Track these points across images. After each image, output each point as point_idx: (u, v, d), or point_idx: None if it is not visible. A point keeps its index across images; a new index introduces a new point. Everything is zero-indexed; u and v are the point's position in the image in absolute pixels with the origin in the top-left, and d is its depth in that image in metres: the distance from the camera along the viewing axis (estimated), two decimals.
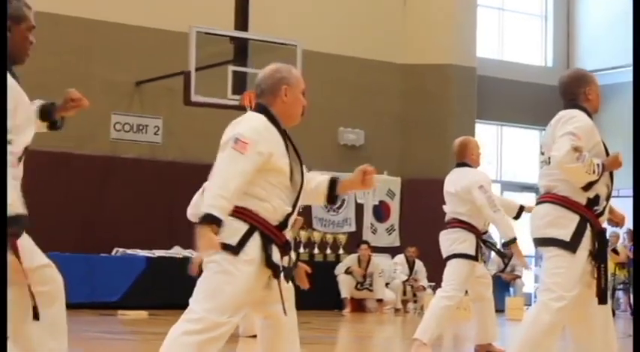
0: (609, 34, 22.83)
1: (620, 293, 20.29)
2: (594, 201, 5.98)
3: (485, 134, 21.50)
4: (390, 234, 20.30)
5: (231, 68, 15.89)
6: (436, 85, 20.74)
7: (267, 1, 18.17)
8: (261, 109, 4.96)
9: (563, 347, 7.01)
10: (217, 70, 16.01)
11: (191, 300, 4.84)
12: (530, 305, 19.19)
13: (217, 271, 4.75)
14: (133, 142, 17.79)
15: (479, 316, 9.64)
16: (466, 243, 9.11)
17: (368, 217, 19.77)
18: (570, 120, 5.94)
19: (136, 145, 17.79)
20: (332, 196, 5.18)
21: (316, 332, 12.49)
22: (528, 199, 9.65)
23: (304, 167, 5.01)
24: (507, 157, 22.95)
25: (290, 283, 5.04)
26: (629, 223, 7.03)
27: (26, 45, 4.30)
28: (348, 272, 17.69)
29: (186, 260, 16.13)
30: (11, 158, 4.01)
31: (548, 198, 6.03)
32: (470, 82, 21.06)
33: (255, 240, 4.77)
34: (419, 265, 18.58)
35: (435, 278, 17.67)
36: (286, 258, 4.91)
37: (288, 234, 4.94)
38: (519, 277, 19.62)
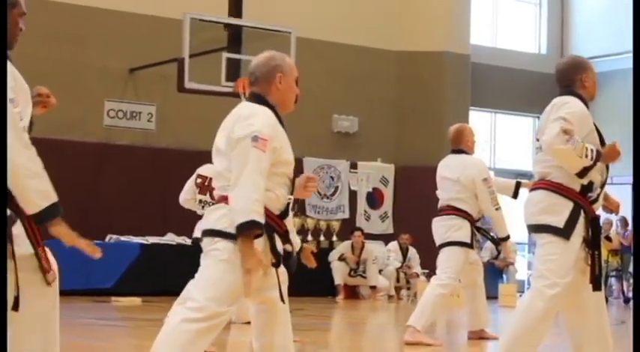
0: (603, 21, 22.82)
1: (612, 281, 20.34)
2: (588, 187, 5.98)
3: (479, 121, 21.50)
4: (383, 221, 20.31)
5: (225, 55, 15.86)
6: (430, 73, 20.73)
7: None
8: (259, 99, 4.95)
9: (556, 334, 7.03)
10: (211, 57, 15.99)
11: (192, 286, 4.84)
12: (523, 292, 19.23)
13: (220, 260, 4.75)
14: (127, 129, 17.77)
15: (470, 302, 9.66)
16: (462, 230, 9.12)
17: (361, 204, 19.79)
18: (563, 106, 5.94)
19: (130, 132, 17.77)
20: None
21: (310, 319, 12.51)
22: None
23: None
24: (501, 145, 22.96)
25: (284, 268, 5.05)
26: (623, 211, 7.04)
27: (16, 31, 4.28)
28: (341, 259, 17.71)
29: (179, 246, 16.21)
30: (28, 140, 3.97)
31: (542, 184, 6.03)
32: (464, 69, 21.05)
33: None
34: (412, 252, 18.60)
35: (429, 265, 17.72)
36: (287, 246, 4.92)
37: (290, 224, 4.95)
38: (512, 264, 19.64)
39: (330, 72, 19.69)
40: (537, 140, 6.12)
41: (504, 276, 19.45)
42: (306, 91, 16.52)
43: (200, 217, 8.85)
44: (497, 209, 9.16)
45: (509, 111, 22.77)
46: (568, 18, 23.79)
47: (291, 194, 4.97)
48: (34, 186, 3.99)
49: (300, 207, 18.37)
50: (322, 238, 18.62)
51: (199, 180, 9.15)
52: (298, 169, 5.08)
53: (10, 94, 3.88)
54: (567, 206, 5.93)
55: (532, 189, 6.16)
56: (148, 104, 17.94)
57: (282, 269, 5.01)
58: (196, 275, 4.94)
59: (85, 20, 17.44)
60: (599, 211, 6.19)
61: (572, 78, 6.15)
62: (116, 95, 17.79)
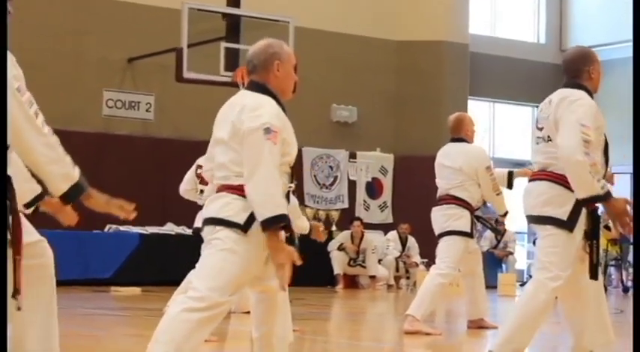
0: (602, 10, 22.80)
1: (612, 270, 20.36)
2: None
3: (478, 111, 21.49)
4: (382, 210, 20.32)
5: (223, 45, 15.85)
6: (429, 62, 20.71)
7: None
8: (260, 88, 4.94)
9: (556, 323, 7.04)
10: (210, 47, 15.98)
11: (194, 276, 4.84)
12: (522, 281, 19.27)
13: (221, 249, 4.74)
14: (126, 119, 17.76)
15: (469, 292, 9.67)
16: (462, 219, 9.11)
17: (361, 194, 19.79)
18: (576, 103, 5.88)
19: (129, 122, 17.76)
20: None
21: (309, 308, 12.52)
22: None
23: None
24: (500, 134, 22.96)
25: None
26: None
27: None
28: (341, 248, 17.73)
29: (179, 236, 16.22)
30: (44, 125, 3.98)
31: (545, 175, 5.99)
32: (463, 58, 21.04)
33: None
34: (411, 241, 18.62)
35: (428, 254, 17.73)
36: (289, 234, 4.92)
37: (297, 210, 4.97)
38: (512, 253, 19.67)
39: (328, 61, 19.68)
40: (539, 129, 6.07)
41: (503, 266, 19.47)
42: (305, 81, 16.55)
43: (201, 207, 8.84)
44: (497, 194, 9.18)
45: (508, 100, 22.77)
46: (567, 7, 23.76)
47: (291, 182, 4.98)
48: (55, 171, 4.01)
49: (299, 197, 18.35)
50: (321, 228, 18.59)
51: (200, 171, 9.15)
52: (297, 159, 5.08)
53: (15, 83, 3.87)
54: (570, 198, 5.91)
55: (532, 180, 6.13)
56: (146, 94, 17.93)
57: None
58: (198, 264, 4.94)
59: (84, 10, 17.42)
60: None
61: (580, 68, 6.11)
62: (115, 85, 17.77)
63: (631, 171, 5.92)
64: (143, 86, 17.93)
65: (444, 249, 9.15)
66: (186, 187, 9.29)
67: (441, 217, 9.21)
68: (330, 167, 19.62)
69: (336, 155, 19.70)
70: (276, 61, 4.96)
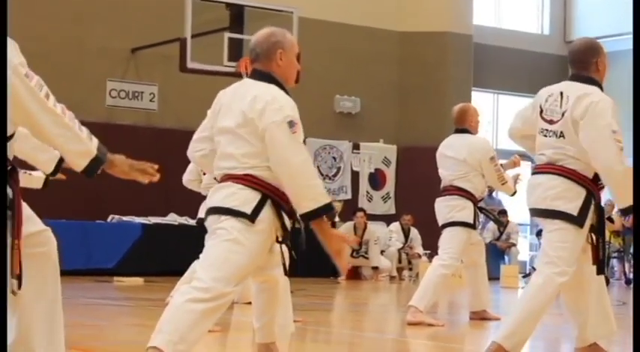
0: (606, 1, 22.76)
1: (614, 262, 20.36)
2: None
3: (482, 102, 21.47)
4: (385, 201, 20.32)
5: (227, 35, 15.83)
6: (433, 53, 20.69)
7: None
8: (266, 77, 4.93)
9: (559, 314, 7.05)
10: (213, 37, 15.96)
11: (198, 266, 4.84)
12: (524, 273, 19.28)
13: (226, 239, 4.74)
14: (129, 109, 17.75)
15: (472, 283, 9.66)
16: (465, 210, 9.10)
17: (364, 185, 19.78)
18: (600, 105, 5.81)
19: (132, 112, 17.75)
20: None
21: (312, 299, 12.53)
22: (524, 167, 9.68)
23: None
24: (503, 125, 22.94)
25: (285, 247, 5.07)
26: None
27: None
28: None
29: (181, 227, 16.23)
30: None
31: (554, 169, 5.95)
32: (466, 49, 21.01)
33: (268, 209, 4.78)
34: (414, 233, 18.61)
35: (430, 245, 17.72)
36: (297, 224, 4.95)
37: None
38: (514, 245, 19.67)
39: (332, 52, 19.66)
40: (547, 121, 6.02)
41: (506, 257, 19.46)
42: (309, 72, 16.57)
43: (204, 198, 8.84)
44: (503, 184, 9.17)
45: (512, 91, 22.74)
46: None
47: None
48: (73, 149, 4.07)
49: None
50: (324, 219, 18.59)
51: None
52: None
53: (22, 70, 3.88)
54: (581, 193, 5.91)
55: (540, 172, 6.07)
56: (150, 84, 17.92)
57: (284, 248, 5.02)
58: (202, 254, 4.94)
59: (87, 0, 17.41)
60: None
61: (588, 61, 6.09)
62: (118, 75, 17.77)
63: (631, 164, 5.91)
64: (146, 76, 17.92)
65: (447, 239, 9.14)
66: (190, 177, 9.28)
67: (445, 208, 9.19)
68: (334, 158, 19.61)
69: (339, 146, 19.69)
70: (279, 50, 4.96)
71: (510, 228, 19.65)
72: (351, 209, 18.63)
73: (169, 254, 14.98)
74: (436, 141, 9.70)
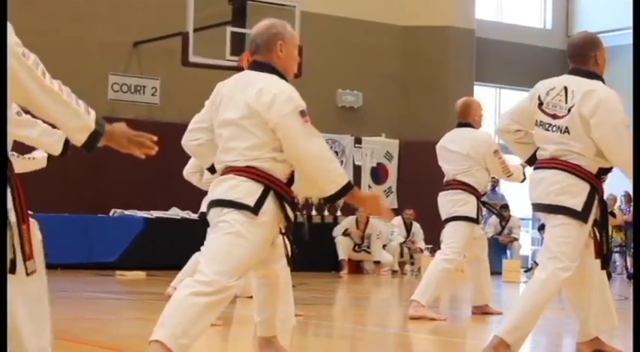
0: None
1: (616, 256, 20.34)
2: (606, 170, 5.98)
3: (484, 96, 21.45)
4: (387, 196, 20.31)
5: (229, 29, 15.84)
6: (435, 48, 20.67)
7: None
8: (267, 68, 4.93)
9: (561, 309, 7.05)
10: (215, 31, 15.95)
11: (201, 259, 4.84)
12: (526, 267, 19.26)
13: (229, 232, 4.73)
14: (131, 103, 17.75)
15: (474, 277, 9.65)
16: (468, 205, 9.08)
17: (366, 179, 19.77)
18: (610, 101, 5.84)
19: (134, 106, 17.75)
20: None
21: (314, 293, 12.54)
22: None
23: None
24: None
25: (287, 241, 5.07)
26: (626, 186, 7.04)
27: None
28: (346, 234, 17.73)
29: (183, 221, 16.23)
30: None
31: (559, 164, 5.93)
32: (469, 44, 21.00)
33: (271, 200, 4.78)
34: (416, 227, 18.62)
35: (432, 240, 17.73)
36: (299, 215, 4.96)
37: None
38: (516, 240, 19.66)
39: (334, 46, 19.65)
40: (550, 115, 6.01)
41: (508, 252, 19.46)
42: (311, 66, 16.56)
43: (206, 192, 8.84)
44: (509, 176, 9.14)
45: (514, 86, 22.72)
46: None
47: None
48: (71, 125, 4.06)
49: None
50: (326, 213, 18.61)
51: None
52: None
53: (19, 49, 3.90)
54: (585, 188, 5.90)
55: (543, 167, 6.05)
56: (152, 78, 17.92)
57: (286, 240, 5.02)
58: (203, 247, 4.94)
59: None
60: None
61: (587, 54, 6.08)
62: (120, 69, 17.76)
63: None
64: (149, 70, 17.92)
65: (450, 234, 9.13)
66: (190, 170, 9.29)
67: (448, 202, 9.18)
68: (336, 152, 19.60)
69: (341, 140, 19.68)
70: (279, 42, 4.96)
71: (512, 222, 19.64)
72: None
73: (171, 248, 14.97)
74: (438, 136, 9.68)
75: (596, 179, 5.94)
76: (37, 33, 15.33)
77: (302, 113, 4.75)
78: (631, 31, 19.25)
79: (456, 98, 9.86)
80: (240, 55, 14.66)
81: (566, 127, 5.92)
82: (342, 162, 19.63)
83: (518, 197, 20.58)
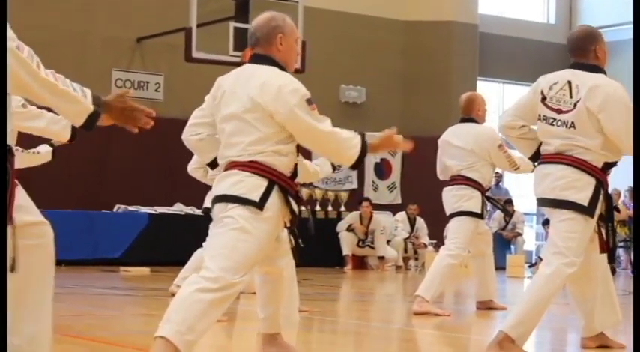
0: None
1: (620, 251, 20.34)
2: (611, 164, 5.98)
3: (487, 91, 21.44)
4: (391, 191, 20.31)
5: (232, 24, 15.82)
6: (438, 43, 20.66)
7: None
8: (268, 61, 4.93)
9: (565, 304, 7.04)
10: (219, 27, 15.95)
11: (206, 255, 4.82)
12: (530, 262, 19.26)
13: (233, 228, 4.72)
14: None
15: (479, 273, 9.65)
16: (472, 200, 9.07)
17: (369, 175, 19.77)
18: (618, 94, 5.86)
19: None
20: None
21: (318, 289, 12.54)
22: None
23: None
24: None
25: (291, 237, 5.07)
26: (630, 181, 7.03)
27: None
28: (349, 229, 17.73)
29: (187, 216, 16.24)
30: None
31: (564, 159, 5.92)
32: (472, 39, 20.97)
33: (275, 195, 4.77)
34: (420, 222, 18.62)
35: (436, 235, 17.74)
36: (304, 210, 4.96)
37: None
38: (520, 235, 19.66)
39: (337, 42, 19.63)
40: (555, 110, 6.00)
41: (512, 247, 19.46)
42: (314, 61, 16.54)
43: (210, 188, 8.84)
44: (516, 169, 9.10)
45: (518, 81, 22.70)
46: None
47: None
48: (70, 111, 4.16)
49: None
50: (330, 208, 18.62)
51: None
52: None
53: (13, 43, 3.90)
54: (590, 183, 5.89)
55: (548, 162, 6.04)
56: (155, 74, 17.92)
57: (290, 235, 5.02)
58: (208, 243, 4.92)
59: None
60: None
61: (587, 48, 6.08)
62: (124, 65, 17.76)
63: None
64: (152, 66, 17.92)
65: (454, 229, 9.12)
66: (194, 165, 9.29)
67: (452, 198, 9.17)
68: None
69: None
70: (279, 35, 4.96)
71: (516, 217, 19.63)
72: (356, 199, 18.63)
73: (175, 244, 14.98)
74: (442, 131, 9.67)
75: (601, 173, 5.93)
76: (40, 28, 15.34)
77: (308, 101, 4.76)
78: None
79: (460, 93, 9.84)
80: (243, 50, 14.68)
81: (572, 122, 5.91)
82: None
83: (522, 192, 20.60)
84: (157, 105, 17.89)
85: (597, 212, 5.94)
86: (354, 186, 19.66)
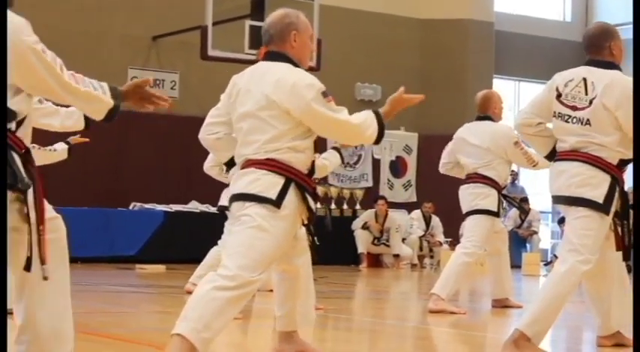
0: None
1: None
2: (627, 161, 5.96)
3: (503, 89, 21.38)
4: (406, 189, 20.30)
5: (248, 22, 15.82)
6: (454, 40, 20.63)
7: None
8: (283, 57, 4.93)
9: (580, 302, 7.03)
10: (234, 25, 15.95)
11: (223, 253, 4.82)
12: (546, 261, 19.22)
13: (251, 226, 4.72)
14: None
15: (495, 271, 9.63)
16: (489, 198, 9.05)
17: (385, 173, 19.76)
18: (628, 90, 5.86)
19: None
20: None
21: (333, 287, 12.54)
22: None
23: None
24: None
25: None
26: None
27: None
28: (365, 227, 17.73)
29: (203, 214, 16.27)
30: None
31: (579, 156, 5.91)
32: (488, 37, 20.94)
33: (292, 192, 4.77)
34: (435, 221, 18.60)
35: (452, 233, 17.72)
36: (320, 209, 4.99)
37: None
38: (536, 233, 19.61)
39: (353, 40, 19.63)
40: (570, 107, 5.98)
41: (528, 245, 19.42)
42: (330, 59, 16.53)
43: (225, 185, 8.85)
44: (534, 165, 9.03)
45: (534, 79, 22.63)
46: None
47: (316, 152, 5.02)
48: (93, 109, 4.21)
49: (322, 177, 18.37)
50: (345, 206, 18.62)
51: None
52: (322, 137, 5.08)
53: (38, 46, 3.94)
54: (605, 180, 5.88)
55: (563, 159, 6.02)
56: (171, 72, 17.95)
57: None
58: (222, 241, 4.94)
59: None
60: None
61: (602, 45, 6.06)
62: (139, 63, 17.79)
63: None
64: (168, 64, 17.95)
65: (471, 227, 9.10)
66: (210, 163, 9.30)
67: (469, 196, 9.15)
68: (355, 146, 19.59)
69: None
70: (293, 31, 4.95)
71: (532, 215, 19.58)
72: (372, 197, 18.63)
73: (191, 241, 15.02)
74: (458, 129, 9.65)
75: (617, 170, 5.91)
76: (55, 27, 15.38)
77: (324, 94, 4.76)
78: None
79: (475, 91, 9.82)
80: (258, 48, 14.70)
81: (587, 119, 5.89)
82: (360, 155, 19.63)
83: (538, 190, 20.55)
84: (172, 103, 17.96)
85: (613, 209, 5.93)
86: (370, 184, 19.65)
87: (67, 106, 6.34)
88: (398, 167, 20.18)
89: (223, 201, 9.30)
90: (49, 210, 4.22)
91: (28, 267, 4.01)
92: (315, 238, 5.07)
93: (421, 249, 18.51)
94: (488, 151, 9.05)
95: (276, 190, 4.73)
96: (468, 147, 9.18)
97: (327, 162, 6.79)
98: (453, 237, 17.41)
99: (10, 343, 4.07)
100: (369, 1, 20.00)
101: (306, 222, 4.91)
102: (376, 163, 19.73)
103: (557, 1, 23.62)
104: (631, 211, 6.02)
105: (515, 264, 14.68)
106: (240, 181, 4.83)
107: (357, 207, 18.61)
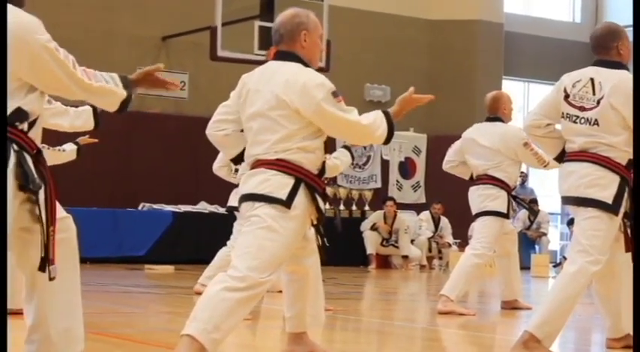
0: None
1: None
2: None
3: (512, 90, 21.36)
4: (415, 190, 20.28)
5: (257, 23, 15.83)
6: (463, 41, 20.61)
7: None
8: (293, 57, 4.92)
9: (590, 304, 7.01)
10: (244, 25, 15.96)
11: (233, 254, 4.82)
12: (555, 262, 19.19)
13: (261, 227, 4.71)
14: (159, 97, 17.75)
15: (504, 272, 9.61)
16: (498, 200, 9.03)
17: (394, 174, 19.75)
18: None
19: (162, 100, 17.77)
20: None
21: (342, 288, 12.53)
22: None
23: None
24: None
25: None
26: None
27: None
28: (373, 228, 17.72)
29: (211, 215, 16.27)
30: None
31: (588, 156, 5.89)
32: (497, 38, 20.92)
33: (302, 193, 4.76)
34: (444, 222, 18.59)
35: (460, 235, 17.70)
36: (330, 210, 4.99)
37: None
38: (545, 234, 19.58)
39: (362, 40, 19.62)
40: (578, 107, 5.97)
41: (537, 247, 19.39)
42: (339, 60, 16.53)
43: (234, 186, 8.85)
44: (545, 165, 8.99)
45: (543, 80, 22.59)
46: None
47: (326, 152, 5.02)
48: (106, 103, 4.32)
49: (332, 177, 18.36)
50: (354, 208, 18.61)
51: None
52: (331, 138, 5.07)
53: (51, 44, 3.95)
54: (614, 180, 5.85)
55: (572, 160, 6.00)
56: (180, 72, 17.94)
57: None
58: (231, 242, 4.93)
59: None
60: None
61: (609, 45, 6.05)
62: (149, 63, 17.54)
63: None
64: (177, 65, 17.95)
65: (480, 229, 9.08)
66: (220, 164, 9.30)
67: (478, 197, 9.13)
68: (364, 147, 19.57)
69: None
70: (303, 31, 4.95)
71: (541, 217, 19.55)
72: (381, 198, 18.61)
73: (200, 242, 15.03)
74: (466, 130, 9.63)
75: (626, 170, 5.89)
76: (66, 26, 15.40)
77: (334, 94, 4.75)
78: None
79: (485, 92, 9.80)
80: (268, 49, 14.69)
81: (595, 119, 5.88)
82: (369, 156, 19.62)
83: (547, 192, 20.52)
84: (181, 104, 17.97)
85: (622, 210, 5.90)
86: (378, 185, 19.64)
87: (77, 106, 6.36)
88: (407, 168, 20.17)
89: (232, 201, 9.30)
90: (59, 209, 4.22)
91: (42, 268, 4.01)
92: (325, 239, 5.06)
93: (430, 250, 18.50)
94: (498, 153, 9.03)
95: (286, 191, 4.72)
96: (478, 148, 9.16)
97: (339, 162, 6.78)
98: (462, 238, 17.39)
99: (18, 343, 4.07)
100: (379, 2, 20.00)
101: (315, 222, 4.90)
102: (385, 164, 19.71)
103: (566, 2, 23.59)
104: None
105: (525, 266, 14.67)
106: (250, 181, 4.83)
107: (366, 208, 18.60)
